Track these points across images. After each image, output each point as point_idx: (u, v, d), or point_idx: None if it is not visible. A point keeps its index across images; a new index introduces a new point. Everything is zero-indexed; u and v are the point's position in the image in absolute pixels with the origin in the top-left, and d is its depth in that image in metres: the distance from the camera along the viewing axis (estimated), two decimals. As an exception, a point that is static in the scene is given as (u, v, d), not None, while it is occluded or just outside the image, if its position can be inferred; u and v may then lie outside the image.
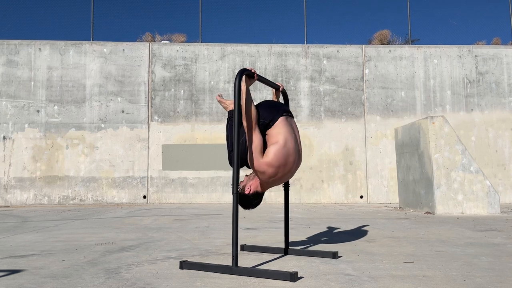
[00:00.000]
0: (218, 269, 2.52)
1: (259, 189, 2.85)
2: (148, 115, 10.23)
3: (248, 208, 2.91)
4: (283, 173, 2.78)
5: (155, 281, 2.30)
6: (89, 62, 10.29)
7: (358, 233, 4.35)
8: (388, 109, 10.51)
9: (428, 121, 6.91)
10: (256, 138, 2.72)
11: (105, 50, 10.35)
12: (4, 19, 13.27)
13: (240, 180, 2.81)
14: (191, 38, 11.16)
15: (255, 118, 2.74)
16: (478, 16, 15.90)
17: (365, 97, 10.52)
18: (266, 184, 2.84)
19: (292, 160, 2.79)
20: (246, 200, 2.86)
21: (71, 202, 9.86)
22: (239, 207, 2.78)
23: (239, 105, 2.58)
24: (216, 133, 10.21)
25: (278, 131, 2.78)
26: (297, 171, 10.05)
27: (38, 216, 6.75)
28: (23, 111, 10.03)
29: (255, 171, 2.79)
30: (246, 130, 2.74)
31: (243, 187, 2.85)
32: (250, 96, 2.77)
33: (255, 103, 2.90)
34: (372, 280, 2.33)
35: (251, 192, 2.83)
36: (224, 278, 2.38)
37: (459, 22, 15.43)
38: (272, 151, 2.72)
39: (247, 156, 2.79)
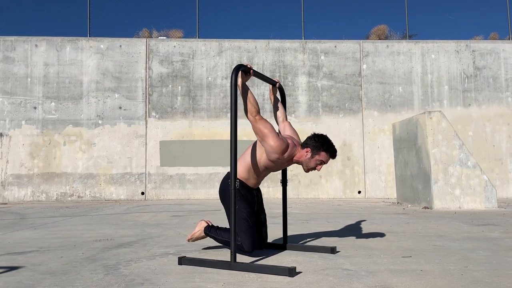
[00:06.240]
0: (217, 264, 2.52)
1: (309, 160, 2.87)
2: (146, 111, 10.20)
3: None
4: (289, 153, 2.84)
5: (154, 277, 2.31)
6: (85, 58, 10.25)
7: (356, 228, 4.37)
8: (385, 104, 10.51)
9: (425, 116, 6.92)
10: (266, 123, 2.74)
11: (102, 46, 10.30)
12: (0, 15, 13.20)
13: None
14: (188, 33, 11.14)
15: (257, 107, 2.76)
16: (475, 11, 15.92)
17: (362, 93, 10.52)
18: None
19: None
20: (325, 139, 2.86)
21: (69, 198, 9.85)
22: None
23: (236, 102, 2.58)
24: (213, 129, 10.19)
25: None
26: (295, 167, 10.06)
27: (36, 213, 6.74)
28: (20, 107, 10.00)
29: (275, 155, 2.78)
30: (252, 123, 2.74)
31: (301, 158, 2.85)
32: (248, 88, 2.78)
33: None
34: (370, 274, 2.33)
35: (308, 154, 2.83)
36: (222, 273, 2.38)
37: (456, 17, 15.44)
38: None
39: None
